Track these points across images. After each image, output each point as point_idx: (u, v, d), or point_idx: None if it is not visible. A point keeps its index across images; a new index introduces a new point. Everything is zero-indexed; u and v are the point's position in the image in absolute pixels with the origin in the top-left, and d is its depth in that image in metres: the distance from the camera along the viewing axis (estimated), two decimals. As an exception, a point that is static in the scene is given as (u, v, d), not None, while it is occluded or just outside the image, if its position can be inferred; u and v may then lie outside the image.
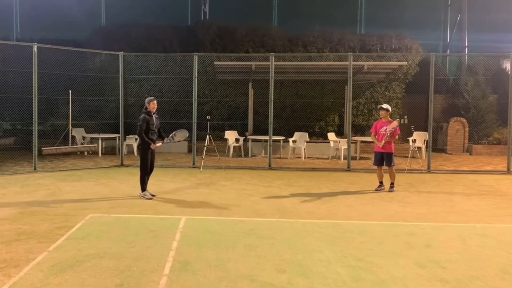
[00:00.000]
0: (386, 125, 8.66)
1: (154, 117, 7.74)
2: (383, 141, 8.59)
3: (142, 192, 7.73)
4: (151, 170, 7.87)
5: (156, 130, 7.79)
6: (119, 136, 12.57)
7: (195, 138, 11.97)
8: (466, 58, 17.93)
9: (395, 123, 8.67)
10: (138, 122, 7.62)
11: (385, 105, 8.99)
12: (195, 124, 11.90)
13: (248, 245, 5.12)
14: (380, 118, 8.93)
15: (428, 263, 4.59)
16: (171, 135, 7.98)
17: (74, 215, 6.41)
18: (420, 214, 6.91)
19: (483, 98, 16.16)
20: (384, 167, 8.85)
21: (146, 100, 7.78)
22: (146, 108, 7.74)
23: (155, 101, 7.78)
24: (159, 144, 7.85)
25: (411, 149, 12.54)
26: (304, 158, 13.83)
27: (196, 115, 11.87)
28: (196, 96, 11.93)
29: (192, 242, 5.18)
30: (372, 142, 9.13)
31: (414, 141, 13.29)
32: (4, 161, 11.33)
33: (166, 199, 7.75)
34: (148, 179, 7.85)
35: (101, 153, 13.83)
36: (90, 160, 12.74)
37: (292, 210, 7.05)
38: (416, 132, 14.28)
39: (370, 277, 4.21)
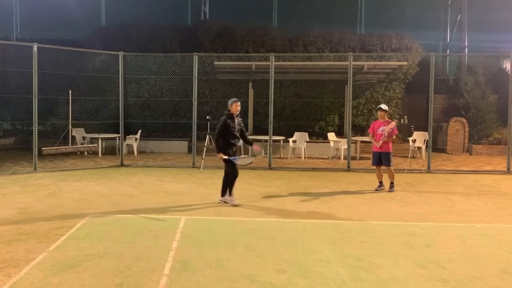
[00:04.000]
0: (384, 126, 8.68)
1: (236, 120, 7.23)
2: (380, 141, 8.61)
3: (222, 196, 7.25)
4: (234, 175, 7.25)
5: (238, 134, 7.27)
6: (119, 137, 12.57)
7: (195, 139, 11.98)
8: (466, 58, 17.92)
9: (393, 123, 8.68)
10: (217, 124, 7.18)
11: (383, 106, 9.01)
12: (195, 124, 11.90)
13: (248, 245, 5.12)
14: (378, 118, 8.97)
15: (428, 263, 4.59)
16: (242, 156, 7.46)
17: (74, 215, 6.41)
18: (420, 214, 6.91)
19: (483, 98, 16.15)
20: (383, 167, 8.85)
21: (229, 102, 7.22)
22: (228, 110, 7.19)
23: (239, 103, 7.22)
24: (225, 157, 7.05)
25: (411, 149, 12.54)
26: (304, 158, 13.82)
27: (196, 115, 11.87)
28: (196, 96, 11.93)
29: (192, 242, 5.18)
30: (372, 142, 9.15)
31: (414, 141, 13.29)
32: (4, 161, 11.33)
33: (166, 199, 7.74)
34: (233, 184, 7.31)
35: (101, 153, 13.83)
36: (90, 160, 12.73)
37: (292, 210, 7.05)
38: (416, 132, 14.29)
39: (370, 277, 4.20)
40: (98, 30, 17.48)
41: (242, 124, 7.45)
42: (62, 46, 11.35)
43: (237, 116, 7.28)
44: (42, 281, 4.01)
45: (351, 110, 12.65)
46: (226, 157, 7.07)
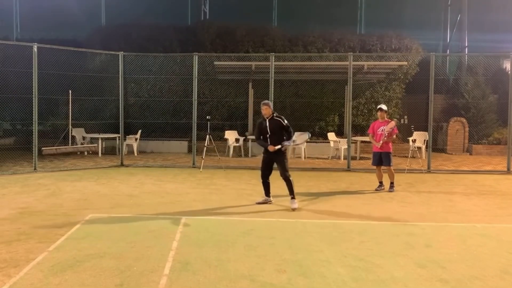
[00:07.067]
0: (384, 126, 8.68)
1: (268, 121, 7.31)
2: (381, 141, 8.61)
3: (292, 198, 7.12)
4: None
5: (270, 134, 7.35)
6: (119, 136, 12.57)
7: (195, 138, 11.98)
8: (466, 58, 17.93)
9: (392, 123, 8.68)
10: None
11: (382, 106, 9.01)
12: (195, 124, 11.90)
13: (248, 245, 5.12)
14: (378, 118, 8.97)
15: (428, 263, 4.59)
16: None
17: (74, 215, 6.41)
18: (420, 214, 6.91)
19: (483, 98, 16.16)
20: (383, 167, 8.85)
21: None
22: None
23: (264, 107, 7.25)
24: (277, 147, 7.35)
25: (411, 149, 12.54)
26: (304, 158, 13.82)
27: (196, 115, 11.87)
28: (196, 96, 11.93)
29: (192, 242, 5.18)
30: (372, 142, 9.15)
31: (414, 141, 13.29)
32: (4, 161, 11.33)
33: (166, 199, 7.74)
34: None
35: (101, 153, 13.83)
36: (90, 160, 12.73)
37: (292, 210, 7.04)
38: (416, 132, 14.29)
39: (370, 277, 4.20)
40: (98, 30, 17.50)
41: (284, 123, 7.30)
42: (62, 46, 11.34)
43: (268, 118, 7.28)
44: (42, 281, 4.00)
45: (351, 110, 12.64)
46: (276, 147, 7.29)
